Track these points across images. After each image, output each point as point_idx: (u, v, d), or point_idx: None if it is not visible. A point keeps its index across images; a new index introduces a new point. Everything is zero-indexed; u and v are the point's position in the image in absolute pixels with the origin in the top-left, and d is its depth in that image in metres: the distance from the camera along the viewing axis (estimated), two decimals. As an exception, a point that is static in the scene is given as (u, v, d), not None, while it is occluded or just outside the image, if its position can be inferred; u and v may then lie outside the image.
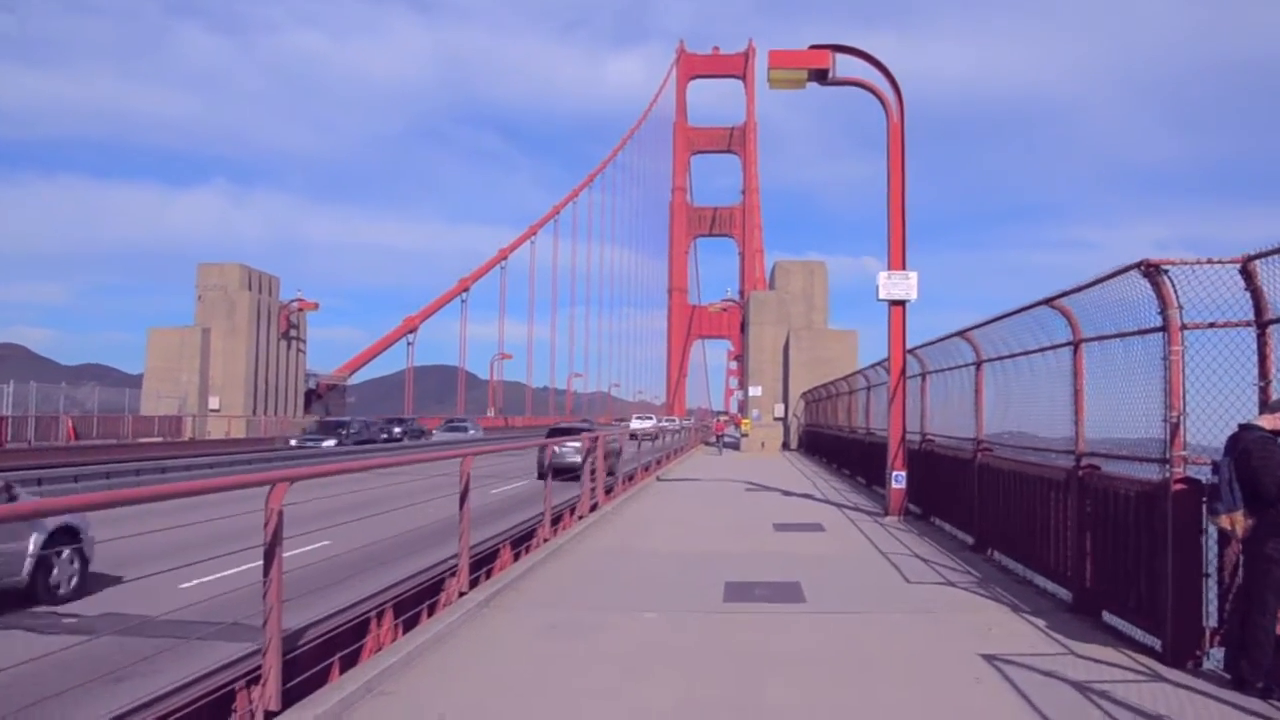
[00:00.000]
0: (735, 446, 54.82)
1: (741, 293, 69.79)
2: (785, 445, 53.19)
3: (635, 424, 43.07)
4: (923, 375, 17.36)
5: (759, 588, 10.57)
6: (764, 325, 55.58)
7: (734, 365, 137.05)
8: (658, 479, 27.63)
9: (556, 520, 15.44)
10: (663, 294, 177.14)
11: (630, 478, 25.05)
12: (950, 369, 15.47)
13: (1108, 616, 8.99)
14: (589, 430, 29.61)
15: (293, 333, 67.73)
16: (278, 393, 65.37)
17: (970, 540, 13.61)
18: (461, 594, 9.73)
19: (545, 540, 13.72)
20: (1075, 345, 9.54)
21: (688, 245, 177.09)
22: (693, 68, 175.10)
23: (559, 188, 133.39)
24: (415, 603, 10.82)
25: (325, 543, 10.41)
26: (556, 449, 18.51)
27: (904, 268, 17.54)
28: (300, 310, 68.53)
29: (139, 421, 52.76)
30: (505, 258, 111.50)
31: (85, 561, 11.58)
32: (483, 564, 12.90)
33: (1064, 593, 9.79)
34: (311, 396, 71.46)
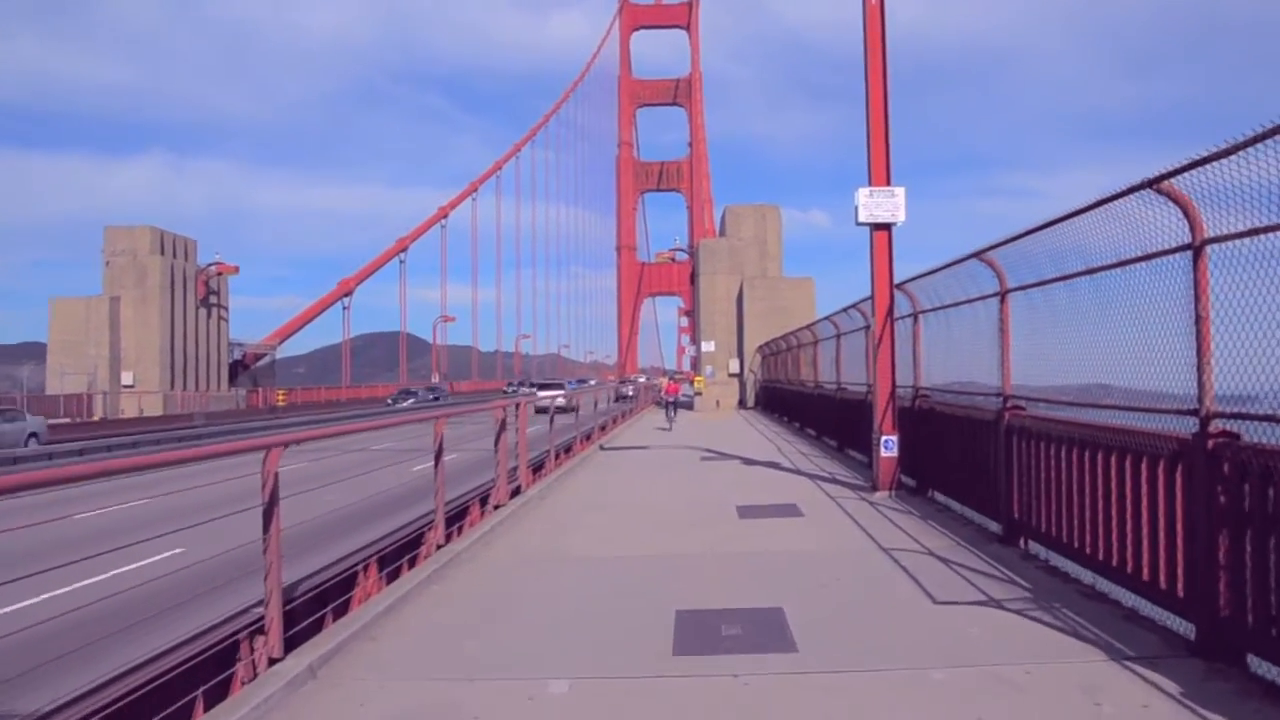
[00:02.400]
0: (689, 406, 51.62)
1: (691, 246, 66.21)
2: (742, 403, 50.10)
3: (542, 396, 29.71)
4: (915, 315, 14.11)
5: (725, 621, 7.25)
6: (715, 275, 52.15)
7: (685, 322, 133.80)
8: (600, 447, 24.27)
9: (459, 516, 12.05)
10: (611, 252, 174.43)
11: (567, 449, 21.67)
12: (954, 305, 12.20)
13: (1257, 663, 5.83)
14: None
15: (212, 299, 63.14)
16: (198, 365, 60.89)
17: (997, 528, 10.40)
18: (268, 663, 6.32)
19: (438, 547, 10.29)
20: (1197, 249, 6.24)
21: (635, 201, 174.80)
22: (636, 18, 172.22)
23: (505, 147, 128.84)
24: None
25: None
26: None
27: (888, 183, 14.20)
28: (219, 274, 63.78)
29: (43, 401, 48.42)
30: (445, 216, 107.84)
31: None
32: (334, 594, 9.43)
33: (1179, 623, 6.57)
34: (238, 368, 67.08)
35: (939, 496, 13.11)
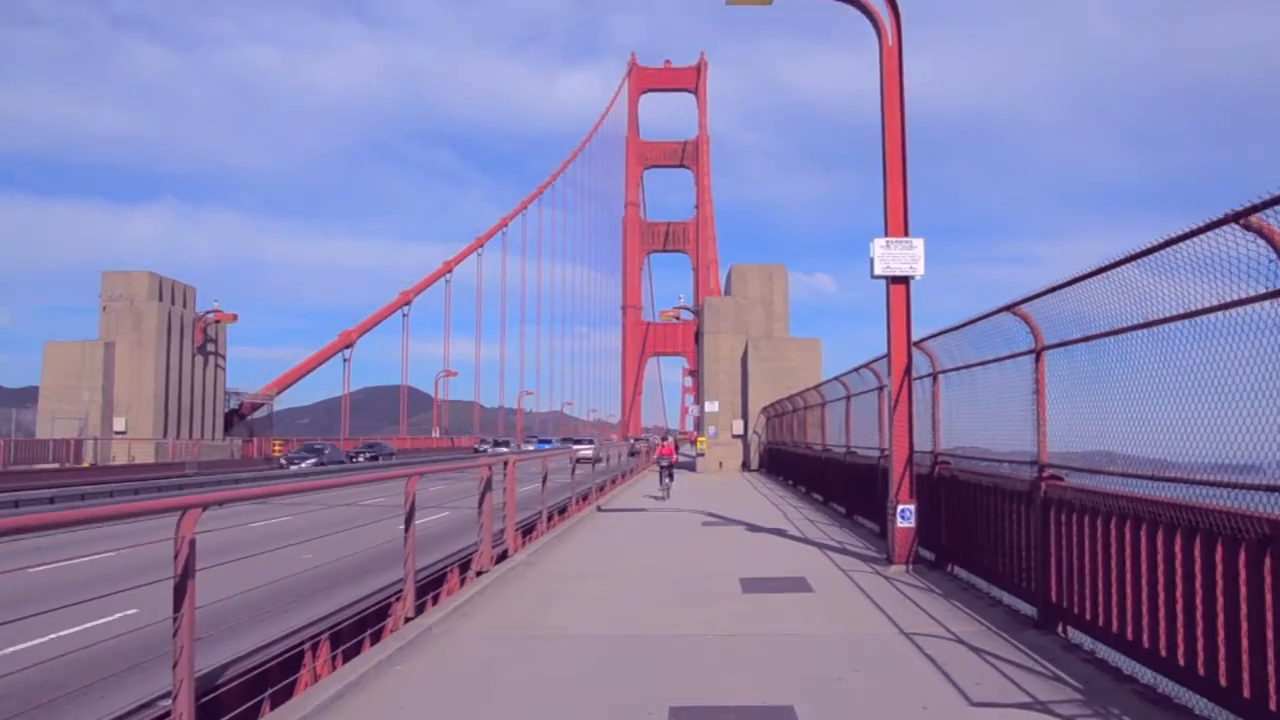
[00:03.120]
0: (691, 467, 50.44)
1: (696, 306, 65.51)
2: (745, 465, 48.94)
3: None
4: (934, 375, 13.13)
5: (726, 722, 6.19)
6: (720, 334, 51.27)
7: (689, 382, 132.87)
8: (598, 509, 23.18)
9: (434, 584, 10.99)
10: (616, 311, 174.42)
11: (562, 510, 20.58)
12: (980, 364, 11.22)
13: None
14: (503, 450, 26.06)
15: (210, 347, 62.25)
16: (192, 412, 59.79)
17: (1030, 611, 9.33)
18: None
19: (406, 620, 9.21)
20: (1292, 297, 5.28)
21: (641, 261, 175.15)
22: (644, 81, 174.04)
23: (513, 205, 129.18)
24: None
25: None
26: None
27: (906, 233, 13.32)
28: (218, 322, 62.92)
29: (32, 446, 47.36)
30: (450, 270, 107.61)
31: None
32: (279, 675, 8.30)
33: (1270, 740, 5.51)
34: (234, 417, 65.99)
35: (961, 572, 12.04)
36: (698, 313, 55.83)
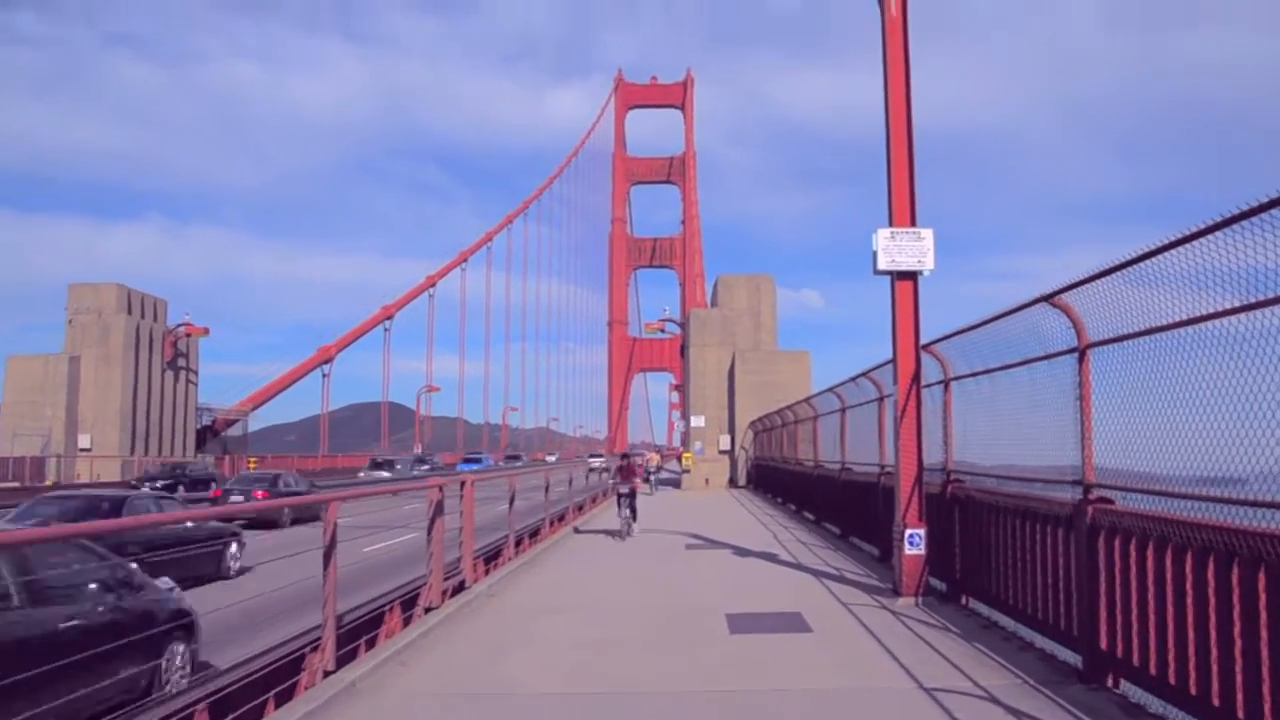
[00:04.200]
0: (676, 484, 48.87)
1: (682, 319, 63.90)
2: (733, 482, 47.39)
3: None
4: (946, 383, 11.65)
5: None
6: (706, 347, 49.72)
7: (676, 398, 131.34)
8: (575, 530, 21.62)
9: (374, 623, 9.43)
10: (602, 327, 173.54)
11: (534, 534, 19.00)
12: (1001, 369, 9.74)
13: None
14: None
15: (180, 361, 60.37)
16: (162, 429, 57.87)
17: (1073, 659, 7.82)
18: None
19: (325, 674, 7.63)
20: None
21: (628, 277, 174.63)
22: (631, 97, 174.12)
23: (500, 221, 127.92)
24: None
25: None
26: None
27: (914, 223, 11.86)
28: (189, 336, 61.05)
29: (-9, 464, 45.53)
30: (433, 285, 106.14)
31: None
32: None
33: None
34: (206, 434, 64.07)
35: (979, 607, 10.53)
36: (683, 325, 54.38)
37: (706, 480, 46.55)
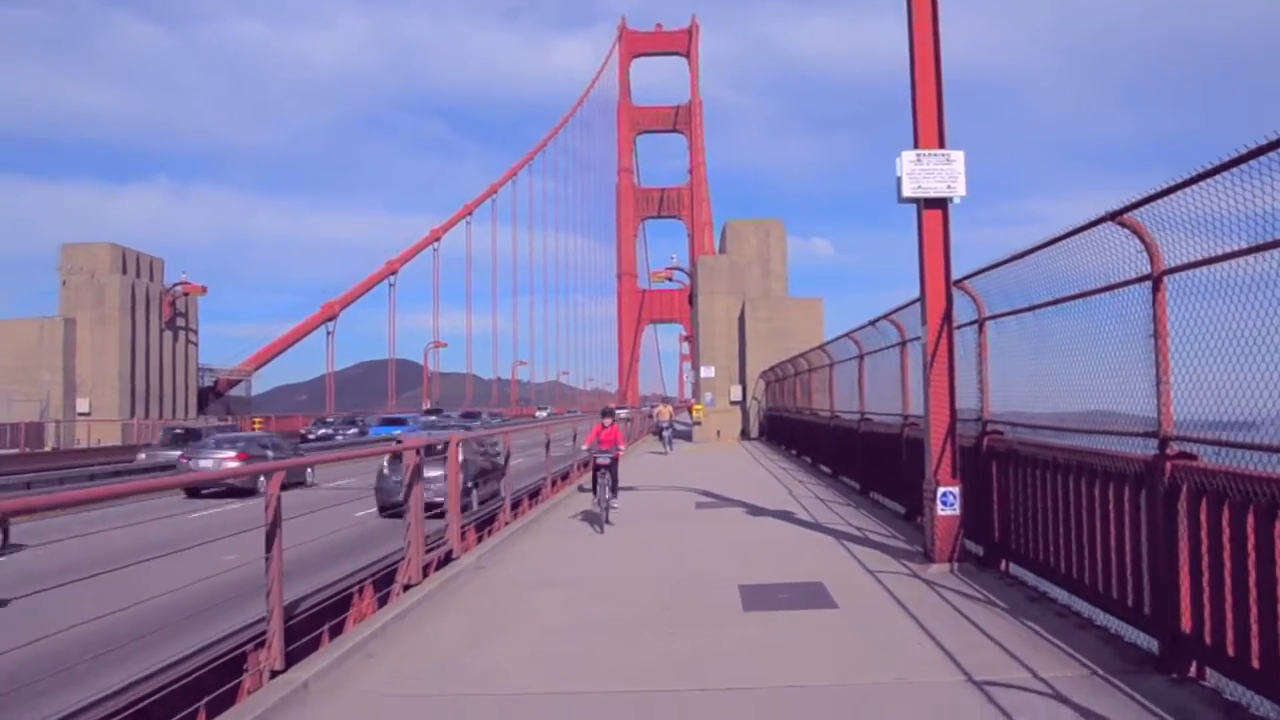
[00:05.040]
0: (687, 437, 47.82)
1: (691, 267, 62.37)
2: (744, 434, 46.29)
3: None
4: (980, 323, 10.42)
5: None
6: (714, 295, 48.31)
7: (686, 349, 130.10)
8: (580, 488, 20.50)
9: (342, 606, 8.34)
10: (611, 279, 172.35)
11: (535, 493, 17.93)
12: (1051, 303, 8.50)
13: None
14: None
15: (179, 321, 59.27)
16: (162, 391, 56.94)
17: (1147, 643, 6.66)
18: None
19: (273, 674, 6.52)
20: None
21: (636, 228, 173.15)
22: (635, 46, 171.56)
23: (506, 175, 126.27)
24: None
25: None
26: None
27: (942, 145, 10.56)
28: (186, 295, 59.87)
29: (-12, 431, 44.68)
30: (438, 239, 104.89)
31: None
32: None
33: None
34: (209, 394, 63.17)
35: (1023, 574, 9.39)
36: (691, 273, 53.03)
37: (718, 433, 45.45)
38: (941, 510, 10.14)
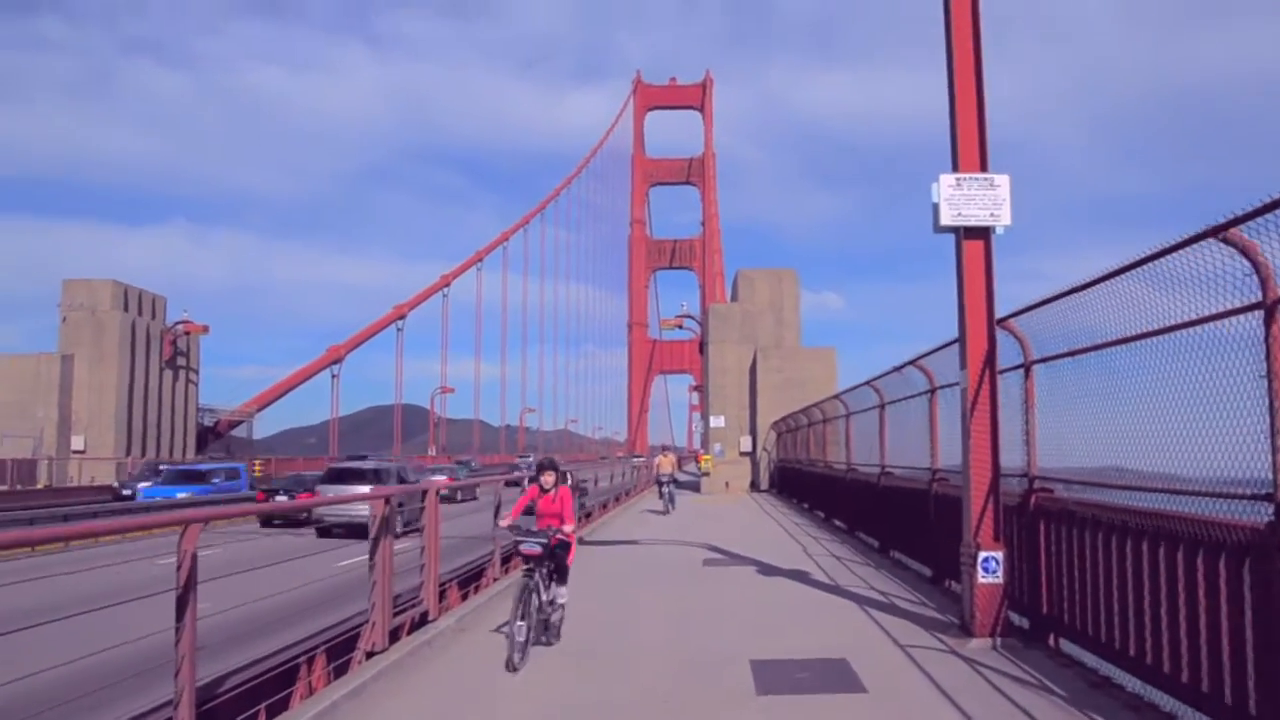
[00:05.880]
0: (694, 487, 46.45)
1: (702, 316, 61.19)
2: (754, 485, 44.91)
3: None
4: (1026, 367, 9.26)
5: None
6: (725, 344, 47.16)
7: (696, 399, 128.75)
8: (580, 541, 19.22)
9: (288, 678, 7.14)
10: (622, 329, 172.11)
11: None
12: (1120, 342, 7.32)
13: None
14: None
15: (180, 360, 58.31)
16: (160, 430, 55.82)
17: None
18: None
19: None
20: None
21: (647, 279, 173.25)
22: (650, 99, 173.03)
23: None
24: None
25: None
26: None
27: (984, 168, 9.47)
28: (187, 334, 58.98)
29: (-20, 467, 43.57)
30: (448, 285, 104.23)
31: None
32: None
33: None
34: (208, 435, 62.00)
35: (1078, 652, 8.13)
36: (702, 322, 51.95)
37: (727, 484, 44.08)
38: (983, 578, 8.90)
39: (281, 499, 28.76)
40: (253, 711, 6.54)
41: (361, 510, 15.83)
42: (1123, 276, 6.84)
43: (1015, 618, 9.25)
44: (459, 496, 31.07)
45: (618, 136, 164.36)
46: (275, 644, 8.29)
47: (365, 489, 21.27)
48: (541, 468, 9.52)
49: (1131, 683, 7.06)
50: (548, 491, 9.32)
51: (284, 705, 7.26)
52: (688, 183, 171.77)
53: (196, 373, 60.42)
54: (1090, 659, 7.89)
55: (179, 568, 5.29)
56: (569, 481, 9.86)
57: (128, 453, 51.40)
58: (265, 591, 8.11)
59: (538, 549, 8.90)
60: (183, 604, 5.29)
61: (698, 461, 54.93)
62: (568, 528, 9.25)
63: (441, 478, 31.52)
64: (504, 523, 9.53)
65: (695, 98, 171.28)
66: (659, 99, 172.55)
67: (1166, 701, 6.52)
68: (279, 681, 7.57)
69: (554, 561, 9.23)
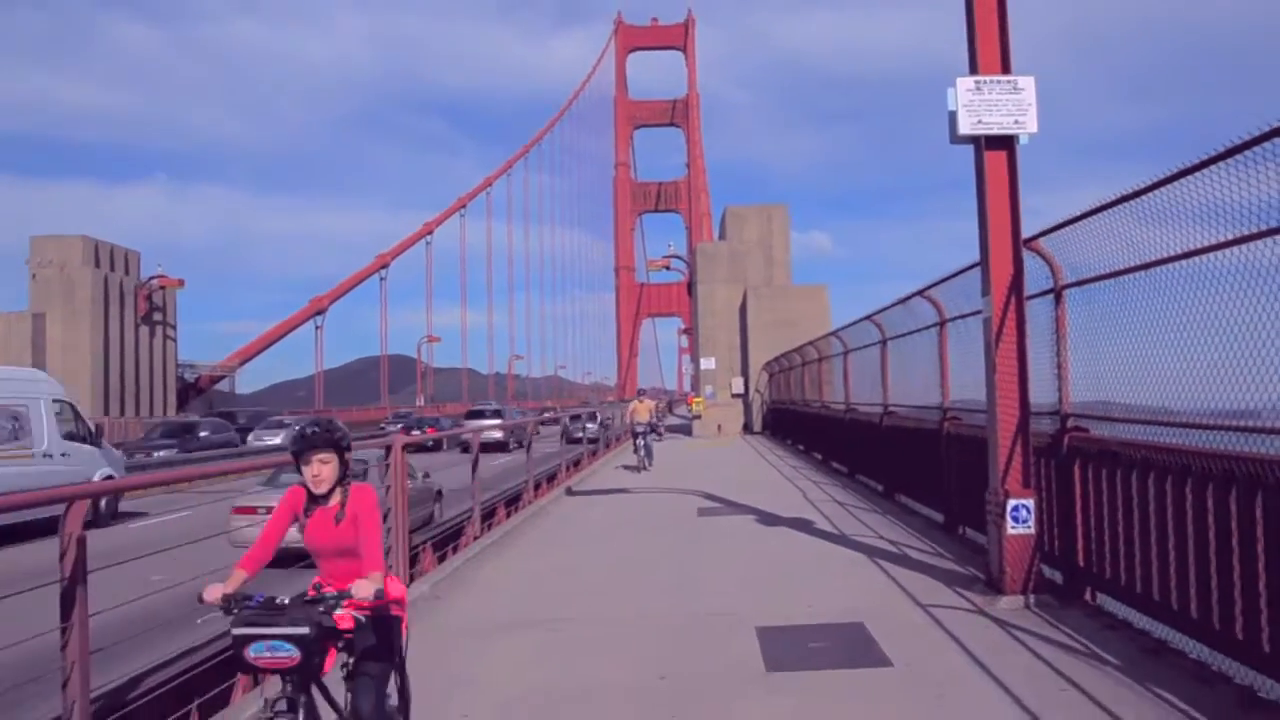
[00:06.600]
0: (687, 431, 45.68)
1: (689, 257, 59.86)
2: (747, 427, 44.13)
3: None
4: (1057, 293, 8.28)
5: None
6: (715, 284, 46.06)
7: (685, 342, 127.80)
8: (568, 491, 18.35)
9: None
10: (609, 274, 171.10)
11: (514, 499, 15.80)
12: (1176, 258, 6.33)
13: None
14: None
15: (156, 316, 56.92)
16: (138, 388, 54.62)
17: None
18: None
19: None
20: None
21: (633, 222, 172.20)
22: (632, 40, 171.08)
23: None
24: None
25: None
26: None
27: (1007, 70, 8.41)
28: (163, 289, 57.54)
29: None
30: (430, 232, 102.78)
31: None
32: None
33: None
34: (190, 391, 60.87)
35: (1119, 608, 7.26)
36: (690, 262, 50.83)
37: (719, 427, 43.29)
38: (1013, 528, 7.99)
39: (416, 433, 35.52)
40: (183, 712, 5.61)
41: (496, 434, 35.28)
42: (1198, 174, 5.79)
43: (1046, 570, 8.37)
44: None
45: (600, 79, 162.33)
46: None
47: (496, 421, 39.02)
48: (309, 444, 4.07)
49: (1195, 648, 6.17)
50: (324, 504, 4.13)
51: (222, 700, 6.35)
52: (672, 124, 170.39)
53: (174, 328, 59.06)
54: (1138, 618, 7.00)
55: (62, 559, 4.29)
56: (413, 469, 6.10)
57: (105, 412, 50.19)
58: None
59: (291, 656, 3.66)
60: (67, 601, 4.32)
61: (689, 404, 54.08)
62: (369, 587, 3.85)
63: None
64: (209, 595, 3.85)
65: (677, 38, 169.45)
66: (641, 40, 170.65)
67: (1241, 672, 5.63)
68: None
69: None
